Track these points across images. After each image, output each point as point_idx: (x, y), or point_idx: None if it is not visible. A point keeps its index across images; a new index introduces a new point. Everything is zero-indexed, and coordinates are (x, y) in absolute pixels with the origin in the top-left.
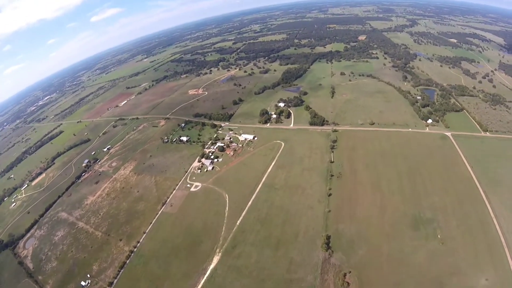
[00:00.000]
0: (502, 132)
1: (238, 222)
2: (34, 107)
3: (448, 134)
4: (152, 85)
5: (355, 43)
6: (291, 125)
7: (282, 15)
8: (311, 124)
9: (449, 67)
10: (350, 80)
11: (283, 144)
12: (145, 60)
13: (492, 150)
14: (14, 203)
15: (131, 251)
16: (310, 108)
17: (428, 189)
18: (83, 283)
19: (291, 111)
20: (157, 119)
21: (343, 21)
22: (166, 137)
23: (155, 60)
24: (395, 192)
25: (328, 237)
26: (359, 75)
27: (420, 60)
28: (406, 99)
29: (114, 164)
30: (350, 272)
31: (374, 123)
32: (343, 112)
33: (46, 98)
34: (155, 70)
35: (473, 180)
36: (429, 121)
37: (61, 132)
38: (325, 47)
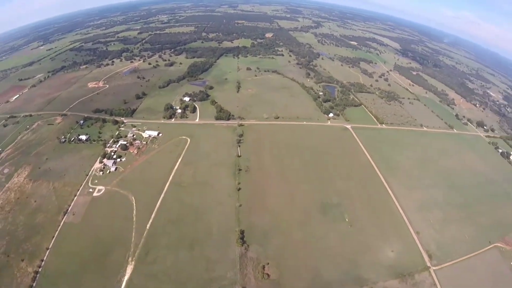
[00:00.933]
0: (396, 125)
1: (148, 225)
2: None
3: (348, 126)
4: (48, 76)
5: (262, 40)
6: (197, 120)
7: (192, 8)
8: (217, 118)
9: (349, 67)
10: (256, 76)
11: (189, 140)
12: (41, 47)
13: (388, 140)
14: None
15: (36, 272)
16: (216, 102)
17: (333, 177)
18: None
19: (196, 105)
20: (53, 116)
21: (252, 18)
22: (63, 136)
23: (52, 48)
24: (302, 181)
25: (242, 232)
26: (265, 71)
27: (323, 59)
28: (309, 95)
29: (6, 170)
30: (268, 263)
31: (279, 117)
32: (249, 106)
33: None
34: (52, 60)
35: (372, 166)
36: (331, 114)
37: None
38: (232, 42)
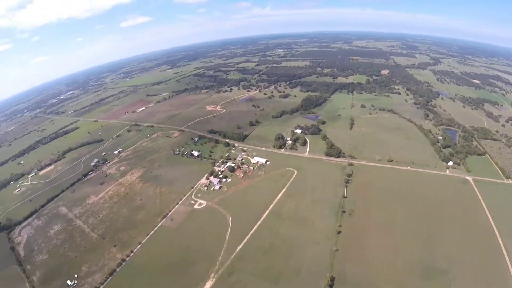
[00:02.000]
0: None
1: (239, 248)
2: (56, 100)
3: (469, 178)
4: (172, 95)
5: (377, 77)
6: (306, 153)
7: (307, 43)
8: (327, 154)
9: (472, 108)
10: (370, 114)
11: (295, 172)
12: (168, 70)
13: None
14: (19, 189)
15: (123, 260)
16: (327, 138)
17: (445, 236)
18: (69, 282)
19: (307, 138)
20: (172, 130)
21: (367, 54)
22: (177, 149)
23: (178, 72)
24: (409, 236)
25: (333, 279)
26: (380, 109)
27: (442, 99)
28: (427, 138)
29: (122, 168)
30: None
31: (392, 160)
32: (361, 145)
33: (68, 93)
34: (177, 82)
35: (493, 230)
36: (450, 163)
37: (76, 128)
38: (347, 78)
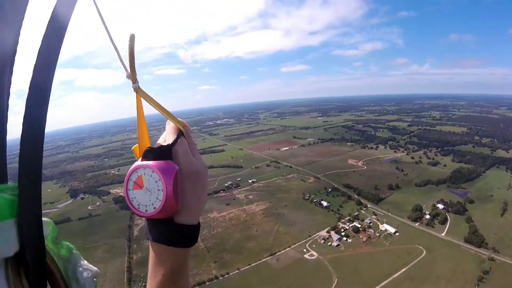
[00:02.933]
0: None
1: None
2: (212, 123)
3: None
4: (317, 142)
5: None
6: (443, 233)
7: (466, 106)
8: (467, 241)
9: None
10: None
11: (424, 252)
12: (319, 118)
13: None
14: None
15: (216, 277)
16: (472, 221)
17: None
18: None
19: (448, 217)
20: (308, 175)
21: None
22: (308, 195)
23: (327, 121)
24: None
25: None
26: None
27: None
28: None
29: (250, 196)
30: None
31: None
32: (510, 238)
33: (224, 119)
34: (325, 130)
35: None
36: None
37: (222, 150)
38: (508, 152)
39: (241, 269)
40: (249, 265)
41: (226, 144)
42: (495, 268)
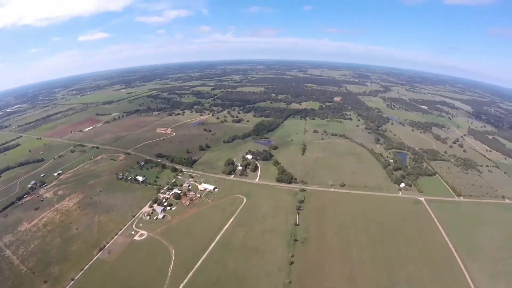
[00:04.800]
0: (475, 197)
1: (182, 284)
2: (1, 113)
3: (422, 199)
4: (123, 116)
5: (330, 103)
6: (257, 179)
7: (264, 70)
8: (278, 180)
9: (420, 132)
10: (322, 139)
11: (245, 199)
12: (122, 90)
13: (467, 215)
14: None
15: None
16: (279, 163)
17: (403, 258)
18: None
19: (258, 164)
20: (118, 153)
21: (321, 82)
22: (121, 174)
23: (132, 92)
24: (367, 261)
25: None
26: (332, 135)
27: (392, 124)
28: (378, 162)
29: (60, 192)
30: None
31: (345, 185)
32: (313, 170)
33: (15, 106)
34: (129, 102)
35: (449, 247)
36: (402, 185)
37: (18, 145)
38: (300, 104)
39: (76, 278)
40: (82, 269)
41: (21, 136)
42: (307, 196)
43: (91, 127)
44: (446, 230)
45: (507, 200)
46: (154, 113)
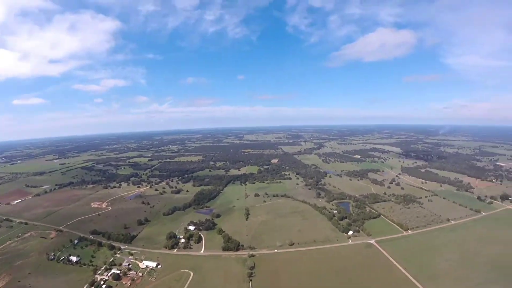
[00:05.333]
0: (422, 227)
1: None
2: None
3: (372, 241)
4: (55, 189)
5: (268, 166)
6: (202, 251)
7: (201, 139)
8: (225, 249)
9: (358, 180)
10: (264, 201)
11: (191, 273)
12: (55, 161)
13: (419, 246)
14: None
15: None
16: (223, 231)
17: None
18: None
19: (202, 235)
20: (48, 229)
21: (257, 146)
22: (53, 254)
23: (65, 164)
24: None
25: None
26: (274, 196)
27: (330, 177)
28: (323, 215)
29: None
30: None
31: (294, 244)
32: (260, 234)
33: None
34: (62, 174)
35: (410, 280)
36: (350, 232)
37: None
38: (239, 170)
39: None
40: None
41: None
42: (257, 261)
43: (20, 200)
44: (403, 265)
45: (452, 222)
46: (88, 186)
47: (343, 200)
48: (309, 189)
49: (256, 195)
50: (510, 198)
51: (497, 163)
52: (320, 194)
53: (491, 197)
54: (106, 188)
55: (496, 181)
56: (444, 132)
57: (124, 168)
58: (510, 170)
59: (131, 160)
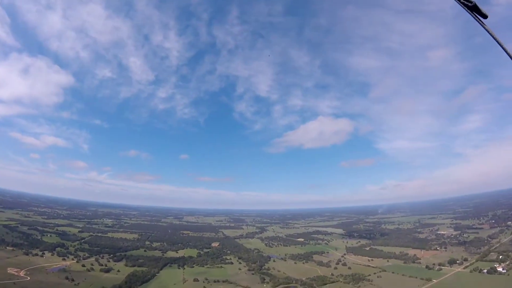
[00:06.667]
0: None
1: None
2: None
3: None
4: None
5: (208, 249)
6: None
7: (138, 216)
8: None
9: (303, 263)
10: (205, 287)
11: None
12: None
13: None
14: None
15: None
16: None
17: None
18: None
19: None
20: None
21: (197, 228)
22: None
23: None
24: None
25: None
26: (215, 281)
27: (274, 261)
28: None
29: None
30: None
31: None
32: None
33: None
34: None
35: None
36: None
37: None
38: (177, 252)
39: None
40: None
41: None
42: None
43: None
44: None
45: None
46: (8, 247)
47: (289, 285)
48: (252, 274)
49: (195, 280)
50: (457, 261)
51: (438, 232)
52: (264, 279)
53: (439, 264)
54: (27, 255)
55: (441, 248)
56: (383, 211)
57: (51, 235)
58: (452, 236)
59: (59, 228)
